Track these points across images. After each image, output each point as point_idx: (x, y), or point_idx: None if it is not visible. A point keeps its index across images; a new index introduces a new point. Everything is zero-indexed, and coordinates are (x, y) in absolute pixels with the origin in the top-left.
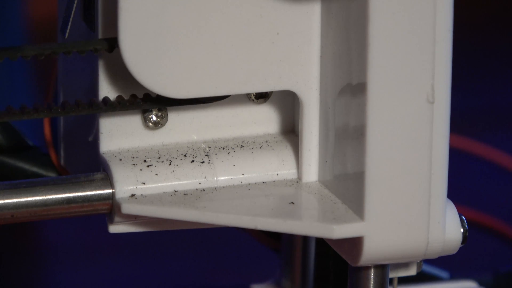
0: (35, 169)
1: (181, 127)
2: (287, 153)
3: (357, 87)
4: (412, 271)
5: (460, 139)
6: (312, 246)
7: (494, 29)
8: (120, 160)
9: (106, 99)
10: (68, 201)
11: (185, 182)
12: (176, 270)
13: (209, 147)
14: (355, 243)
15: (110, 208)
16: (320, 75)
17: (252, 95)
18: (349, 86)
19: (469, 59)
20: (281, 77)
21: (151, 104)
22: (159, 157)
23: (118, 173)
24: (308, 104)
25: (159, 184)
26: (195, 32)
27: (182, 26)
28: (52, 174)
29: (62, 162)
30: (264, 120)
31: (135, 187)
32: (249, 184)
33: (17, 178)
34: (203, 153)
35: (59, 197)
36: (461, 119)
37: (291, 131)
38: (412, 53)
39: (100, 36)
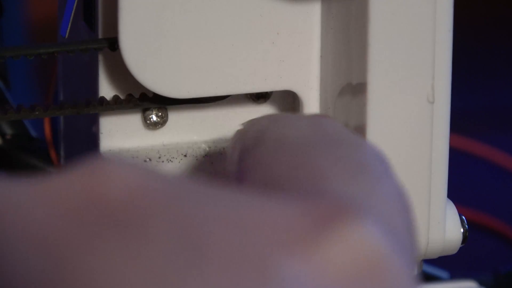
0: (36, 162)
1: (181, 127)
2: None
3: (357, 87)
4: None
5: (460, 139)
6: None
7: (494, 29)
8: None
9: (106, 98)
10: None
11: None
12: None
13: (209, 147)
14: None
15: None
16: (320, 75)
17: (252, 95)
18: (349, 86)
19: (469, 59)
20: (281, 77)
21: (151, 104)
22: (159, 157)
23: None
24: (308, 104)
25: None
26: (195, 32)
27: (182, 26)
28: (52, 169)
29: (62, 161)
30: None
31: None
32: None
33: (18, 169)
34: (203, 153)
35: None
36: (461, 119)
37: None
38: (412, 53)
39: (100, 36)
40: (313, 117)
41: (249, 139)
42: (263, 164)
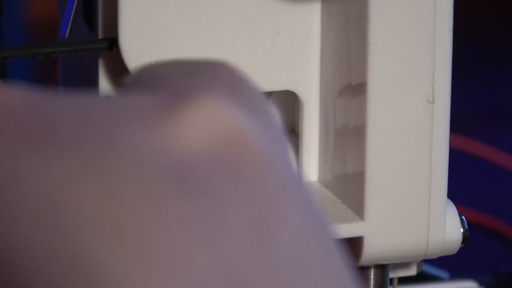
0: None
1: None
2: None
3: (357, 87)
4: (412, 271)
5: (460, 139)
6: None
7: (493, 29)
8: None
9: None
10: None
11: None
12: None
13: None
14: (355, 243)
15: None
16: (320, 75)
17: None
18: (349, 86)
19: (469, 59)
20: (281, 77)
21: None
22: None
23: None
24: (308, 104)
25: None
26: (195, 32)
27: (182, 26)
28: None
29: None
30: None
31: None
32: None
33: None
34: None
35: None
36: (461, 119)
37: (291, 131)
38: (412, 53)
39: (100, 35)
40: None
41: None
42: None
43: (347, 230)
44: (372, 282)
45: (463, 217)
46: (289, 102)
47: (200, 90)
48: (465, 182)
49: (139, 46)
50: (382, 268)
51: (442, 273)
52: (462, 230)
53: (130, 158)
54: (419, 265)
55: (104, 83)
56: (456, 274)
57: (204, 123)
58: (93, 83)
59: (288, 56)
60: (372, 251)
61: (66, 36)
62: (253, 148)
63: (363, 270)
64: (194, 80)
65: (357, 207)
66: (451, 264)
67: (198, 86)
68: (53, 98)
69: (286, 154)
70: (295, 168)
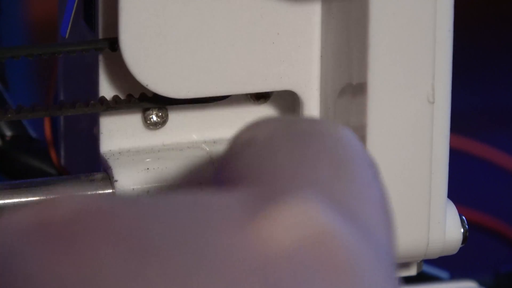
0: (36, 163)
1: (181, 127)
2: None
3: (357, 87)
4: (412, 271)
5: (460, 139)
6: None
7: (493, 29)
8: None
9: (106, 98)
10: None
11: None
12: None
13: (209, 147)
14: None
15: None
16: (320, 75)
17: (252, 95)
18: (349, 86)
19: (469, 59)
20: (281, 77)
21: (151, 104)
22: (159, 158)
23: (119, 173)
24: (308, 104)
25: (159, 184)
26: (195, 32)
27: (183, 26)
28: (52, 170)
29: (62, 162)
30: None
31: (135, 187)
32: None
33: (18, 170)
34: (203, 153)
35: None
36: (461, 119)
37: None
38: (412, 53)
39: (100, 35)
40: (300, 119)
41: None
42: (229, 168)
43: None
44: None
45: (463, 217)
46: (289, 102)
47: (293, 189)
48: (465, 182)
49: (139, 46)
50: None
51: (442, 273)
52: (462, 230)
53: (219, 265)
54: (419, 265)
55: (104, 83)
56: (456, 274)
57: (291, 226)
58: (93, 83)
59: (288, 56)
60: None
61: (66, 36)
62: (340, 258)
63: None
64: (290, 174)
65: None
66: (451, 264)
67: (292, 183)
68: (139, 201)
69: (382, 263)
70: (392, 279)
